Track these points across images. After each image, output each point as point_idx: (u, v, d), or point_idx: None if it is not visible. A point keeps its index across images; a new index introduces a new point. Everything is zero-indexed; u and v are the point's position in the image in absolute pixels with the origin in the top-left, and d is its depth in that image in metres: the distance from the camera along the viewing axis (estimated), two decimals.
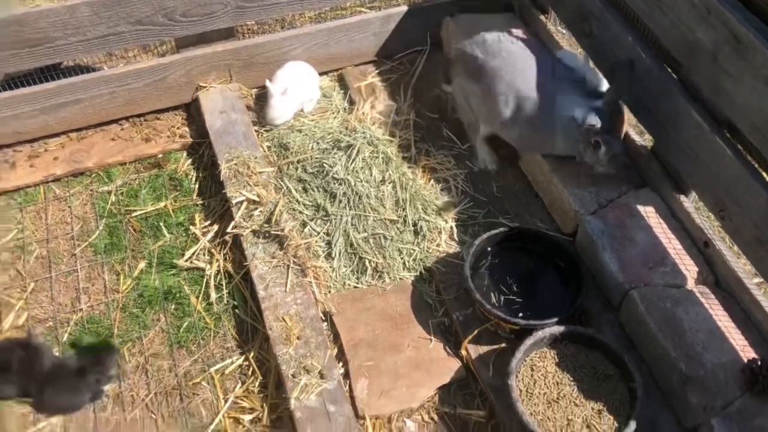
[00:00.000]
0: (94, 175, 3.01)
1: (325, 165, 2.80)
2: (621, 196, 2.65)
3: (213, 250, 2.74)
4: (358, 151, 2.82)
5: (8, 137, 2.98)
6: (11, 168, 2.98)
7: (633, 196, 2.63)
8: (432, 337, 2.49)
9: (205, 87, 3.13)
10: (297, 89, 3.01)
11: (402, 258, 2.66)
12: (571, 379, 2.25)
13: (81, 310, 2.60)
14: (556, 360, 2.30)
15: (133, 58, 3.49)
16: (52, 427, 2.33)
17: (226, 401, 2.36)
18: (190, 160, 3.07)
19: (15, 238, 2.80)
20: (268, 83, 3.00)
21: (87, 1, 2.71)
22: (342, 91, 3.30)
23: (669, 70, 2.49)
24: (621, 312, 2.47)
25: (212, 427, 2.31)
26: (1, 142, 2.99)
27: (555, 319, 2.33)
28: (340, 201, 2.71)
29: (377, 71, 3.35)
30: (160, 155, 3.08)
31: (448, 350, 2.46)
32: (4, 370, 2.27)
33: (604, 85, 2.75)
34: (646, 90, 2.55)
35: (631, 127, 2.87)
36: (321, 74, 3.34)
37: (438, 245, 2.70)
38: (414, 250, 2.68)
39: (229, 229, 2.68)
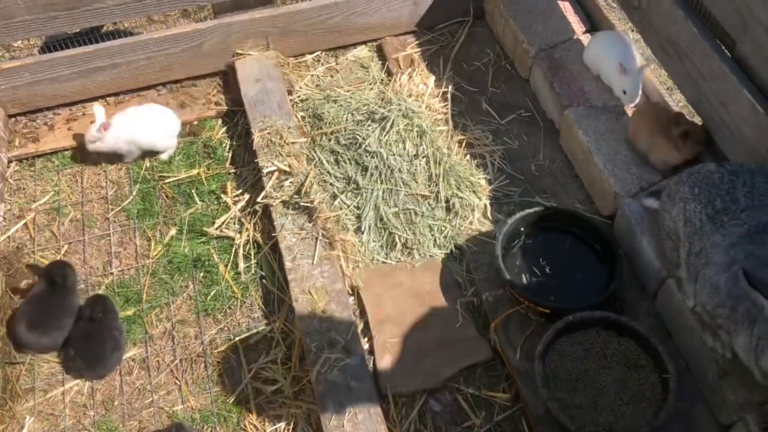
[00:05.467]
0: None
1: (358, 137, 2.75)
2: (664, 179, 2.53)
3: (243, 220, 2.72)
4: (392, 123, 2.76)
5: (47, 100, 3.01)
6: (50, 130, 3.01)
7: None
8: (460, 317, 2.43)
9: (241, 54, 3.10)
10: (124, 133, 2.83)
11: (433, 235, 2.61)
12: (601, 366, 2.17)
13: (112, 274, 2.62)
14: (586, 346, 2.22)
15: (173, 24, 3.48)
16: (80, 388, 2.36)
17: (249, 371, 2.36)
18: (225, 128, 3.05)
19: (51, 200, 2.83)
20: (96, 109, 2.82)
21: None
22: (380, 62, 3.23)
23: (722, 47, 2.35)
24: (657, 300, 2.37)
25: (234, 396, 2.31)
26: (40, 104, 3.02)
27: (587, 304, 2.25)
28: (372, 174, 2.66)
29: (417, 42, 3.26)
30: (196, 122, 3.07)
31: (476, 330, 2.41)
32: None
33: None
34: (697, 69, 2.41)
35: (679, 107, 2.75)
36: (359, 44, 3.28)
37: (470, 223, 2.63)
38: (445, 227, 2.62)
39: (259, 199, 2.66)
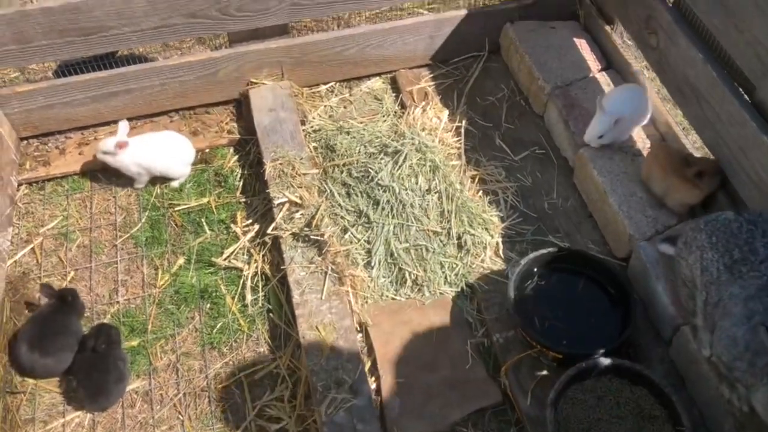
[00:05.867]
0: None
1: (370, 170, 2.72)
2: (680, 223, 2.50)
3: (252, 250, 2.70)
4: (405, 157, 2.74)
5: (60, 123, 3.01)
6: (61, 154, 3.00)
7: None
8: (470, 358, 2.39)
9: (256, 83, 3.09)
10: (139, 157, 2.82)
11: (443, 272, 2.57)
12: (614, 416, 2.12)
13: (118, 302, 2.59)
14: (599, 394, 2.17)
15: (187, 50, 3.48)
16: (81, 420, 2.32)
17: (254, 408, 2.31)
18: (237, 156, 3.04)
19: (59, 225, 2.81)
20: (120, 124, 2.84)
21: None
22: (394, 95, 3.22)
23: (741, 91, 2.32)
24: (672, 347, 2.32)
25: None
26: (52, 128, 3.02)
27: (601, 351, 2.21)
28: (383, 208, 2.64)
29: (431, 75, 3.25)
30: (208, 150, 3.06)
31: (486, 372, 2.36)
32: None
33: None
34: (715, 113, 2.39)
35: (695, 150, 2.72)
36: (374, 75, 3.27)
37: (482, 261, 2.60)
38: (456, 264, 2.58)
39: (269, 231, 2.63)
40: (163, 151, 2.83)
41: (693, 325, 2.18)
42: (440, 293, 2.55)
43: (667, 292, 2.32)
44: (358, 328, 2.46)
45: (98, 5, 2.67)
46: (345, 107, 3.17)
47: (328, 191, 2.73)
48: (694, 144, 2.82)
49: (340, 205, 2.69)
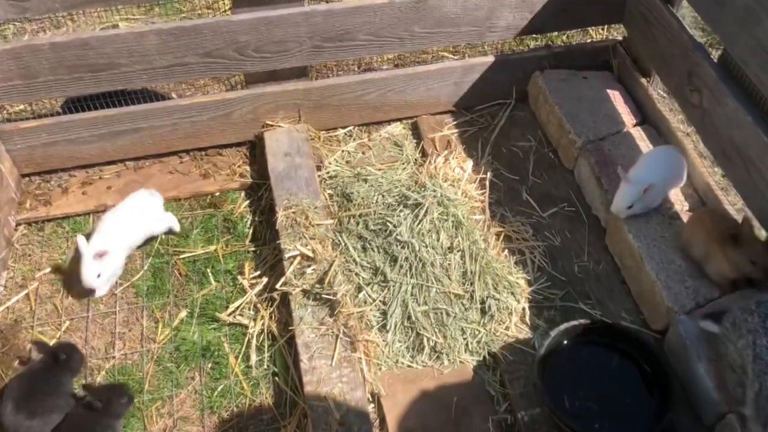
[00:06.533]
0: None
1: (388, 223, 2.55)
2: (722, 296, 2.30)
3: (259, 306, 2.52)
4: (426, 211, 2.57)
5: (63, 161, 2.86)
6: (63, 193, 2.85)
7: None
8: None
9: (271, 125, 2.95)
10: (121, 246, 2.56)
11: (465, 339, 2.38)
12: None
13: (114, 357, 2.42)
14: None
15: (202, 87, 3.35)
16: None
17: None
18: (248, 201, 2.88)
19: (57, 268, 2.65)
20: (79, 240, 2.46)
21: (156, 29, 2.56)
22: (414, 141, 3.07)
23: None
24: None
25: None
26: (55, 165, 2.87)
27: None
28: (401, 266, 2.46)
29: (454, 123, 3.10)
30: (218, 194, 2.90)
31: None
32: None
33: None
34: (765, 180, 2.20)
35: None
36: (394, 120, 3.12)
37: (507, 328, 2.41)
38: (479, 331, 2.39)
39: (278, 285, 2.46)
40: (131, 227, 2.60)
41: (741, 413, 1.97)
42: (460, 362, 2.35)
43: (709, 374, 2.12)
44: (371, 398, 2.26)
45: (109, 41, 2.54)
46: (363, 153, 3.01)
47: (343, 245, 2.56)
48: (734, 205, 2.63)
49: (354, 260, 2.52)
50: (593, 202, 2.74)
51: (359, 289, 2.46)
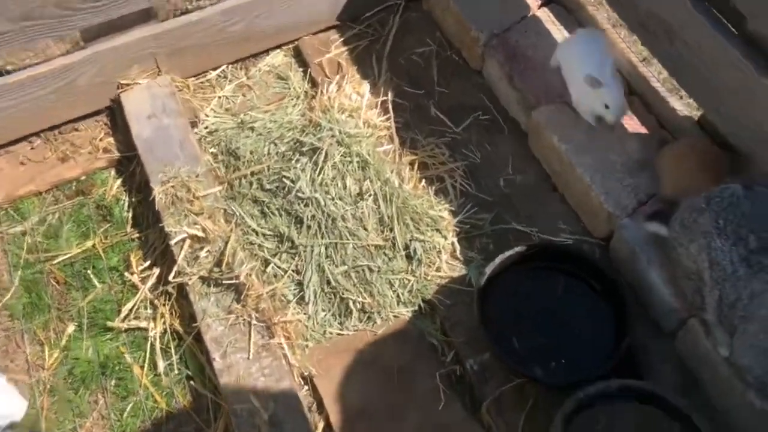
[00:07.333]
0: (1, 212, 2.41)
1: (285, 179, 2.20)
2: None
3: (156, 302, 2.17)
4: (326, 156, 2.22)
5: None
6: None
7: None
8: (442, 395, 1.97)
9: (128, 85, 2.49)
10: None
11: (395, 291, 2.11)
12: None
13: None
14: (603, 423, 1.78)
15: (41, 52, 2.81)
16: None
17: None
18: (120, 180, 2.46)
19: None
20: None
21: None
22: (300, 70, 2.66)
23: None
24: (678, 341, 1.94)
25: None
26: None
27: (599, 371, 1.81)
28: (309, 227, 2.13)
29: (341, 39, 2.69)
30: (83, 178, 2.46)
31: (464, 410, 1.95)
32: None
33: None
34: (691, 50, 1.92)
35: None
36: (272, 49, 2.69)
37: (438, 269, 2.15)
38: (409, 279, 2.12)
39: (170, 278, 2.11)
40: None
41: (703, 319, 1.78)
42: (394, 317, 2.10)
43: (664, 281, 1.92)
44: (302, 382, 2.00)
45: None
46: (244, 95, 2.60)
47: (238, 215, 2.20)
48: (659, 74, 2.36)
49: (254, 230, 2.17)
50: (509, 104, 2.43)
51: (266, 263, 2.13)
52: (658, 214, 1.93)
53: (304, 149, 2.26)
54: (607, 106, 2.04)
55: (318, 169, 2.20)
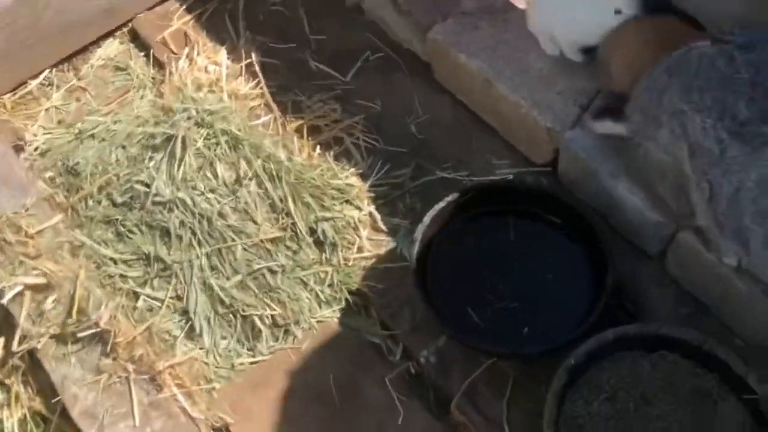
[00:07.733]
0: None
1: (137, 185, 1.70)
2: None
3: (6, 382, 1.65)
4: (183, 143, 1.73)
5: None
6: None
7: None
8: (399, 404, 1.52)
9: None
10: None
11: (311, 291, 1.65)
12: (643, 416, 1.32)
13: None
14: (608, 390, 1.36)
15: None
16: None
17: None
18: None
19: None
20: None
21: None
22: (142, 54, 2.15)
23: None
24: (669, 263, 1.54)
25: None
26: None
27: (584, 324, 1.39)
28: (180, 237, 1.64)
29: (183, 7, 2.19)
30: None
31: (430, 414, 1.51)
32: None
33: None
34: None
35: None
36: (102, 39, 2.18)
37: (359, 249, 1.69)
38: (325, 271, 1.66)
39: (15, 346, 1.59)
40: None
41: (696, 227, 1.39)
42: (318, 323, 1.63)
43: (635, 193, 1.51)
44: None
45: None
46: (78, 99, 2.07)
47: (86, 245, 1.69)
48: None
49: (111, 259, 1.66)
50: (400, 33, 1.98)
51: (134, 296, 1.63)
52: (608, 110, 1.51)
53: (157, 142, 1.76)
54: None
55: (177, 162, 1.71)
